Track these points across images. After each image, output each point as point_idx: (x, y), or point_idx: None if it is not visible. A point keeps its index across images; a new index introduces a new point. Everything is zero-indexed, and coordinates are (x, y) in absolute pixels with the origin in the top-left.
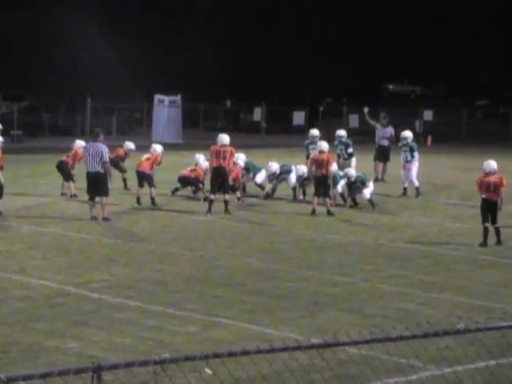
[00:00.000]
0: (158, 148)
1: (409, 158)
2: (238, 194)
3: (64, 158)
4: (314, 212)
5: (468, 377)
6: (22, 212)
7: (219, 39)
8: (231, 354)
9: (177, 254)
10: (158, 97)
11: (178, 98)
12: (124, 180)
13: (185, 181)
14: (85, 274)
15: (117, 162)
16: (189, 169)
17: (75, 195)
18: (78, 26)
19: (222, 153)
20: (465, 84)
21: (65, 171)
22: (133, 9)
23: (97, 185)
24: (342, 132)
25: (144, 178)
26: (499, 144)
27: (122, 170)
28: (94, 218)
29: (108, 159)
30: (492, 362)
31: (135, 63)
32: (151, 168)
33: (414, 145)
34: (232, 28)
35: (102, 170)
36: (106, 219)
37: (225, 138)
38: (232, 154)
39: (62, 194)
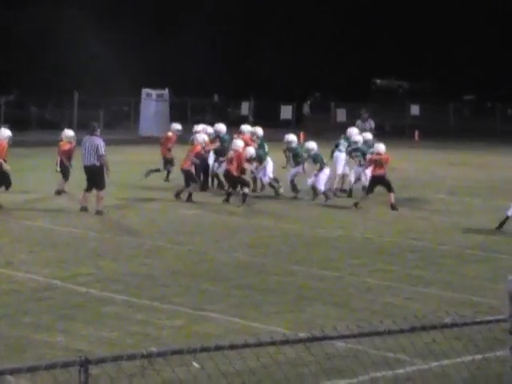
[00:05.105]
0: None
1: (362, 162)
2: (246, 189)
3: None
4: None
5: (455, 371)
6: (9, 206)
7: (207, 33)
8: (218, 348)
9: (164, 248)
10: (145, 91)
11: (166, 91)
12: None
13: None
14: (72, 267)
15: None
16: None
17: (63, 191)
18: (65, 21)
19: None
20: (452, 79)
21: (61, 169)
22: (121, 2)
23: (93, 178)
24: (310, 145)
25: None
26: (485, 139)
27: (169, 161)
28: (84, 209)
29: (104, 152)
30: (478, 356)
31: (123, 57)
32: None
33: (366, 148)
34: (220, 22)
35: (97, 163)
36: (98, 212)
37: (236, 142)
38: (239, 157)
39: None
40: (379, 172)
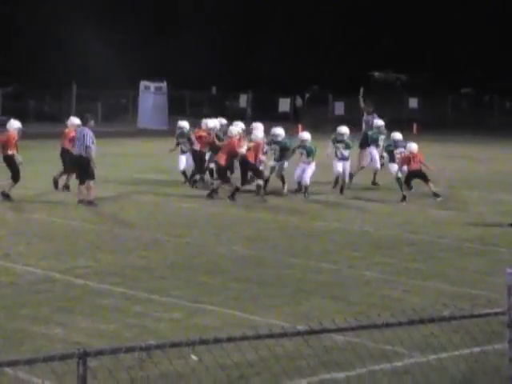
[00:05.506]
0: (259, 134)
1: (346, 154)
2: (260, 181)
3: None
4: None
5: (453, 364)
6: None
7: (207, 33)
8: (217, 341)
9: (162, 241)
10: (143, 83)
11: (164, 84)
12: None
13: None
14: (70, 260)
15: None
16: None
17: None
18: (64, 13)
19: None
20: (452, 79)
21: (63, 160)
22: (121, 2)
23: (80, 168)
24: (305, 135)
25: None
26: (483, 132)
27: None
28: (82, 202)
29: (90, 143)
30: (476, 349)
31: (123, 57)
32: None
33: (351, 142)
34: (220, 22)
35: (84, 154)
36: (90, 203)
37: (256, 133)
38: (258, 147)
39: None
40: (415, 167)
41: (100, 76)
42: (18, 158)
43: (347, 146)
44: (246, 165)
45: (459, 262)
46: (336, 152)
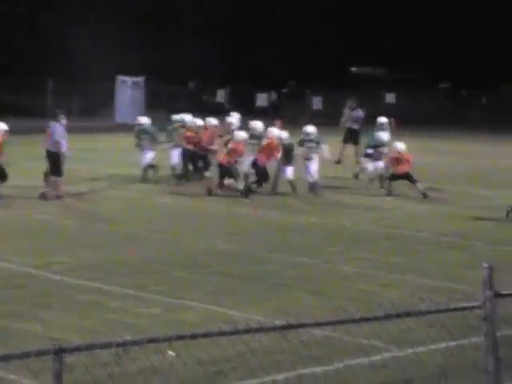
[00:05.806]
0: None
1: (312, 155)
2: (255, 185)
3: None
4: None
5: (429, 357)
6: None
7: (207, 33)
8: (193, 336)
9: (140, 236)
10: (120, 78)
11: (141, 79)
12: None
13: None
14: (46, 255)
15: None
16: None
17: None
18: (65, 21)
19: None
20: (453, 78)
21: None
22: (121, 2)
23: (51, 164)
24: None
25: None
26: (461, 127)
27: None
28: (58, 197)
29: (59, 138)
30: (452, 343)
31: (123, 57)
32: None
33: (320, 141)
34: (220, 22)
35: (54, 150)
36: (42, 195)
37: (273, 131)
38: (273, 147)
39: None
40: (401, 169)
41: (100, 76)
42: (2, 160)
43: (318, 146)
44: (257, 167)
45: (437, 256)
46: (309, 154)
